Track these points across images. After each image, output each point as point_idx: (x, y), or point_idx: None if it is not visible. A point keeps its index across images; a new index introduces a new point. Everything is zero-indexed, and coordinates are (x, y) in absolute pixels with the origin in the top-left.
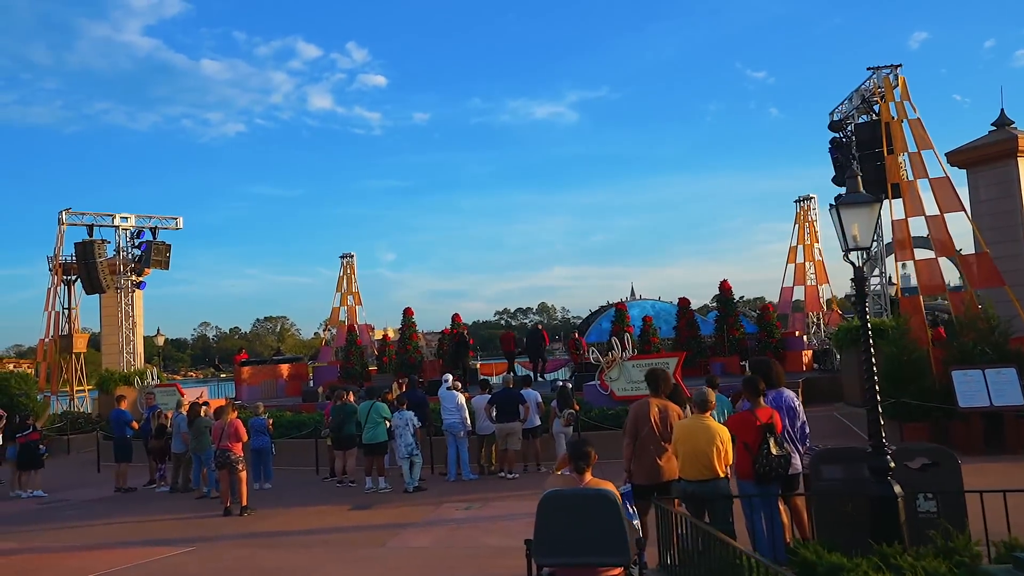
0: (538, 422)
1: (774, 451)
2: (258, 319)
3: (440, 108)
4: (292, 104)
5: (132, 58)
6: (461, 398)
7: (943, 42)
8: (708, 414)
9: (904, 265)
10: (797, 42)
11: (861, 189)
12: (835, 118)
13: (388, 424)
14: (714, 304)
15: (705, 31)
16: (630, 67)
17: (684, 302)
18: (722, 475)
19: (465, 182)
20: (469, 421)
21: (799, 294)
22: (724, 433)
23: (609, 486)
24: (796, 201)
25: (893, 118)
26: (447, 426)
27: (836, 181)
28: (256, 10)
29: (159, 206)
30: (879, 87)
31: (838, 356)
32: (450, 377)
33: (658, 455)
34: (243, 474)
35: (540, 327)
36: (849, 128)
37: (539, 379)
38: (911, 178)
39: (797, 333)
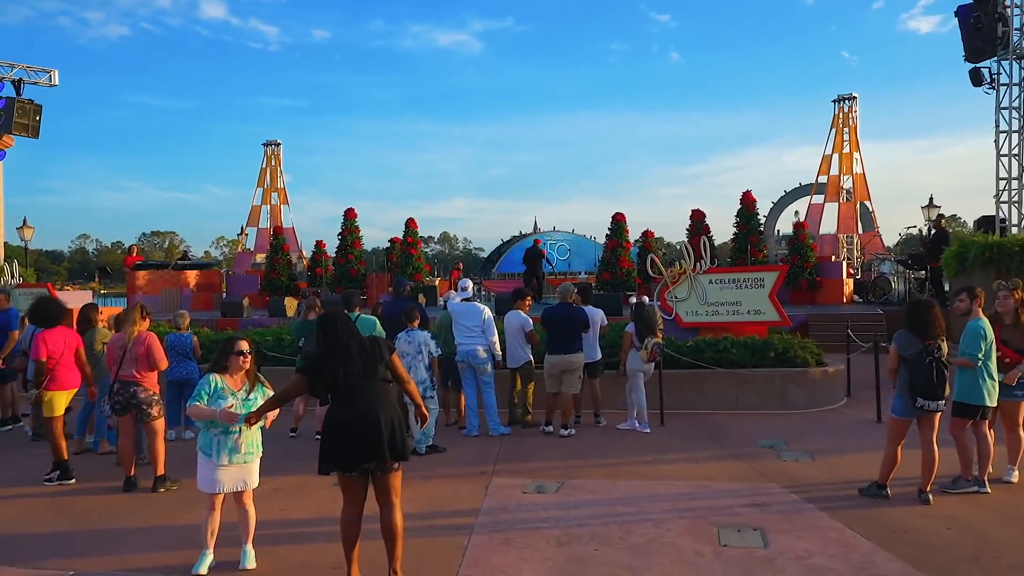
0: (599, 354)
1: None
2: (144, 233)
3: (341, 27)
4: (181, 10)
5: None
6: (488, 313)
7: None
8: None
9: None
10: None
11: None
12: None
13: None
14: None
15: None
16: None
17: (698, 215)
18: None
19: (364, 106)
20: (499, 347)
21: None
22: None
23: None
24: (834, 101)
25: None
26: (464, 355)
27: (969, 51)
28: None
29: None
30: None
31: (895, 286)
32: (469, 284)
33: None
34: (158, 423)
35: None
36: None
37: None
38: None
39: (834, 258)
